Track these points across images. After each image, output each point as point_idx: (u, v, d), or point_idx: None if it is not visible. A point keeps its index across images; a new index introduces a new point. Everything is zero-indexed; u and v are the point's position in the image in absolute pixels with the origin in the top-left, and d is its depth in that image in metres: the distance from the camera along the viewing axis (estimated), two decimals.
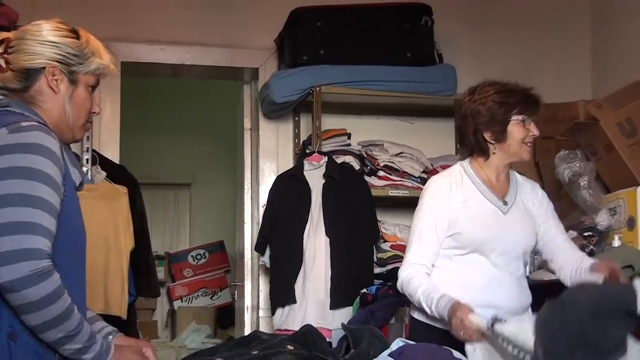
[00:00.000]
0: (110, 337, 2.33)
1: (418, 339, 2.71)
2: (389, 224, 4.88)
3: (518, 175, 3.36)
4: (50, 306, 2.02)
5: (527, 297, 3.22)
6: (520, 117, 3.14)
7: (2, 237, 1.99)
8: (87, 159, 4.55)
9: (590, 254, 3.87)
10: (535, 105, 3.20)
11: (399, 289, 3.13)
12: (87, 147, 4.64)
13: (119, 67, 5.12)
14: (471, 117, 3.16)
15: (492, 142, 3.16)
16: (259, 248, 4.73)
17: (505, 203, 3.20)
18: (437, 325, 3.06)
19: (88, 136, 4.64)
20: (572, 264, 3.22)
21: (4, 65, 2.25)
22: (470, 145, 3.22)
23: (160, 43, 5.16)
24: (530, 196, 3.32)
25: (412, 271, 3.08)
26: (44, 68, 2.24)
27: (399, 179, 4.87)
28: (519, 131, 3.14)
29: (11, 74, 2.24)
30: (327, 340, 3.92)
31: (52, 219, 2.07)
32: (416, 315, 3.20)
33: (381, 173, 4.87)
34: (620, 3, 5.11)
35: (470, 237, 3.10)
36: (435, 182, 3.22)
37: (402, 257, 4.60)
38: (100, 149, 4.78)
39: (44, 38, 2.25)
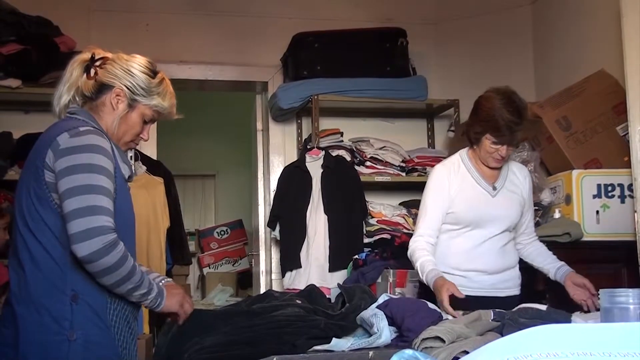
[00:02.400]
0: (162, 281, 2.34)
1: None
2: (375, 203, 4.87)
3: (513, 165, 3.28)
4: (120, 268, 2.04)
5: (508, 261, 3.17)
6: (492, 139, 3.02)
7: (76, 220, 2.00)
8: (131, 157, 4.54)
9: (537, 224, 3.88)
10: (506, 136, 3.00)
11: (409, 256, 3.05)
12: None
13: None
14: (473, 113, 3.12)
15: (472, 141, 3.12)
16: (271, 225, 4.73)
17: (494, 188, 3.15)
18: None
19: None
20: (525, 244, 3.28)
21: (92, 74, 2.25)
22: (467, 133, 3.16)
23: (188, 63, 5.16)
24: (521, 184, 3.24)
25: (417, 244, 3.01)
26: (113, 87, 2.24)
27: (382, 167, 4.87)
28: (489, 146, 3.04)
29: (92, 83, 2.24)
30: (327, 296, 3.94)
31: (111, 201, 2.07)
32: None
33: (368, 163, 4.87)
34: (557, 19, 5.10)
35: (463, 216, 3.07)
36: (437, 171, 3.17)
37: (386, 230, 4.69)
38: (142, 148, 4.76)
39: (128, 67, 2.26)
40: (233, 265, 7.78)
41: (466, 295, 2.88)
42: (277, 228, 4.70)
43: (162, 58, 5.05)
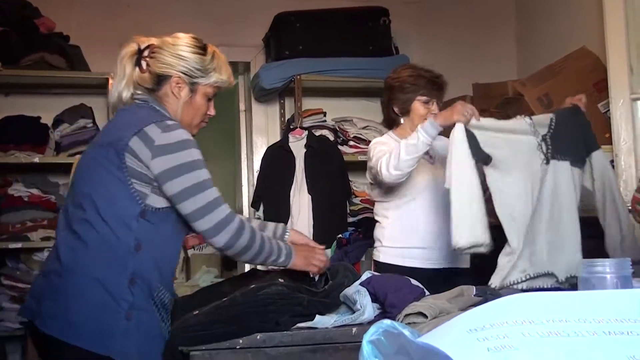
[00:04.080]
0: (286, 235, 2.56)
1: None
2: (358, 183, 4.88)
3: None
4: (253, 245, 2.19)
5: None
6: (424, 98, 3.11)
7: (202, 219, 2.11)
8: None
9: None
10: (438, 89, 3.15)
11: (386, 174, 2.88)
12: None
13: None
14: (388, 91, 3.18)
15: (399, 114, 3.16)
16: (255, 205, 4.72)
17: (431, 156, 3.19)
18: (397, 263, 3.09)
19: None
20: None
21: (144, 67, 2.24)
22: (387, 114, 3.22)
23: None
24: (442, 148, 3.29)
25: (382, 157, 2.92)
26: (171, 76, 2.23)
27: (365, 147, 4.82)
28: (421, 109, 3.12)
29: (147, 76, 2.23)
30: (311, 275, 3.94)
31: (216, 188, 2.17)
32: (380, 258, 3.19)
33: (351, 143, 4.88)
34: None
35: (411, 184, 3.08)
36: (376, 140, 3.20)
37: (370, 210, 4.68)
38: None
39: (177, 52, 2.24)
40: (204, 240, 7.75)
41: (429, 269, 3.02)
42: (261, 208, 4.69)
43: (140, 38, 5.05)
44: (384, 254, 3.17)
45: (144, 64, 2.24)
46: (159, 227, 2.13)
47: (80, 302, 2.03)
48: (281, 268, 2.36)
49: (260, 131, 5.27)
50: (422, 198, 3.11)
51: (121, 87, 2.25)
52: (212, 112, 2.37)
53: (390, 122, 3.24)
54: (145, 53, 2.25)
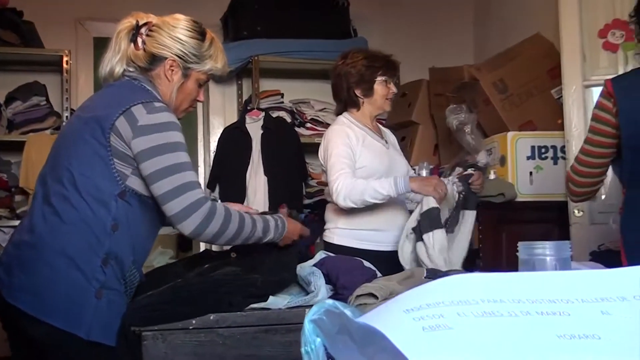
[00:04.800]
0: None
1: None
2: (315, 165, 4.89)
3: (380, 125, 3.41)
4: (226, 232, 2.13)
5: (406, 217, 3.25)
6: (383, 78, 3.18)
7: (173, 201, 2.06)
8: (67, 116, 4.46)
9: None
10: (394, 69, 3.28)
11: (342, 202, 2.96)
12: (67, 107, 4.55)
13: (91, 43, 5.03)
14: (344, 77, 3.19)
15: (362, 97, 3.20)
16: (210, 186, 4.72)
17: (386, 142, 3.26)
18: (351, 245, 3.12)
19: (67, 97, 4.56)
20: None
21: (140, 44, 2.20)
22: (344, 100, 3.24)
23: None
24: (393, 140, 3.39)
25: (344, 180, 2.96)
26: (166, 58, 2.20)
27: (323, 129, 4.86)
28: (382, 89, 3.19)
29: (142, 54, 2.20)
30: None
31: (194, 172, 2.14)
32: (335, 240, 3.21)
33: (308, 124, 4.90)
34: None
35: (373, 168, 3.11)
36: (335, 129, 3.19)
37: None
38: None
39: (175, 34, 2.21)
40: (173, 227, 7.72)
41: (383, 251, 3.07)
42: (217, 189, 4.69)
43: (98, 16, 4.98)
44: (338, 235, 3.19)
45: (139, 41, 2.21)
46: (138, 210, 2.13)
47: (51, 277, 2.02)
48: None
49: (217, 112, 5.25)
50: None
51: (114, 62, 2.22)
52: (201, 98, 2.36)
53: (347, 107, 3.25)
54: (143, 30, 2.21)
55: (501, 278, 0.77)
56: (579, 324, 0.73)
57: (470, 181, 3.07)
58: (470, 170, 3.12)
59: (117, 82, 2.23)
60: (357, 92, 3.20)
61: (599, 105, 2.56)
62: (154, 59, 2.21)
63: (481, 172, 3.18)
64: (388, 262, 2.81)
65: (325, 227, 3.29)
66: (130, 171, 2.09)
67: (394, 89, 3.24)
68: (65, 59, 4.57)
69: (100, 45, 4.97)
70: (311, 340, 0.78)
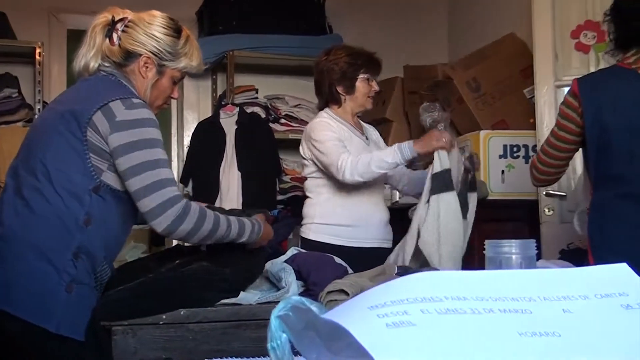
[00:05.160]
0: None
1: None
2: (289, 161, 4.90)
3: (364, 124, 3.41)
4: (199, 231, 2.12)
5: (387, 213, 3.28)
6: (365, 76, 3.18)
7: (147, 198, 2.05)
8: (39, 109, 4.43)
9: None
10: (377, 66, 3.25)
11: (349, 176, 2.96)
12: (39, 99, 4.51)
13: (65, 35, 4.99)
14: (326, 74, 3.18)
15: (344, 94, 3.20)
16: (184, 180, 4.71)
17: (367, 138, 3.26)
18: (332, 242, 3.12)
19: (40, 90, 4.52)
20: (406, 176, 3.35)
21: (115, 40, 2.19)
22: (326, 96, 3.24)
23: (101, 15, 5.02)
24: (375, 137, 3.38)
25: (346, 158, 2.97)
26: (140, 55, 2.19)
27: (297, 125, 4.89)
28: (364, 87, 3.19)
29: (117, 49, 2.19)
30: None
31: (170, 170, 2.14)
32: (310, 236, 3.21)
33: (283, 120, 4.89)
34: None
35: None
36: (317, 121, 3.20)
37: (300, 187, 4.72)
38: (50, 101, 4.64)
39: (150, 31, 2.20)
40: (147, 224, 7.68)
41: (360, 247, 3.06)
42: (190, 184, 4.68)
43: (72, 8, 4.94)
44: (314, 231, 3.19)
45: (115, 37, 2.20)
46: (112, 205, 2.12)
47: (21, 270, 2.01)
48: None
49: (192, 106, 5.23)
50: None
51: (89, 57, 2.21)
52: (175, 95, 2.35)
53: (329, 103, 3.25)
54: (118, 26, 2.21)
55: (465, 276, 0.79)
56: (541, 321, 0.75)
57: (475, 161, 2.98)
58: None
59: (93, 77, 2.22)
60: (339, 89, 3.19)
61: (565, 102, 2.60)
62: (129, 55, 2.21)
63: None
64: (364, 259, 2.82)
65: (302, 222, 3.30)
66: (106, 166, 2.09)
67: (376, 87, 3.23)
68: (38, 50, 4.52)
69: (74, 37, 4.93)
70: (277, 336, 0.78)
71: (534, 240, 1.07)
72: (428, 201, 2.79)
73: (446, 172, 2.77)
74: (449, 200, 2.75)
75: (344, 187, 3.12)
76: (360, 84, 3.19)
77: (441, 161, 2.79)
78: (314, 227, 3.19)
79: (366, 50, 3.26)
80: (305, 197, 3.32)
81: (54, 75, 4.90)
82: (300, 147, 3.24)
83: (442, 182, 2.77)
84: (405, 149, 2.87)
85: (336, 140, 3.07)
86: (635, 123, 2.43)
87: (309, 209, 3.27)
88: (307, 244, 3.17)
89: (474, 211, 2.93)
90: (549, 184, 2.91)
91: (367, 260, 2.69)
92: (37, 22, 4.90)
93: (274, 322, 0.79)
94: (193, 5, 5.05)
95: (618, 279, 0.85)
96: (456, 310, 0.72)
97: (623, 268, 0.87)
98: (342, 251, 2.92)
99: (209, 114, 4.96)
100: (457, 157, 2.86)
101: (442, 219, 2.73)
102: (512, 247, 1.04)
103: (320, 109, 3.30)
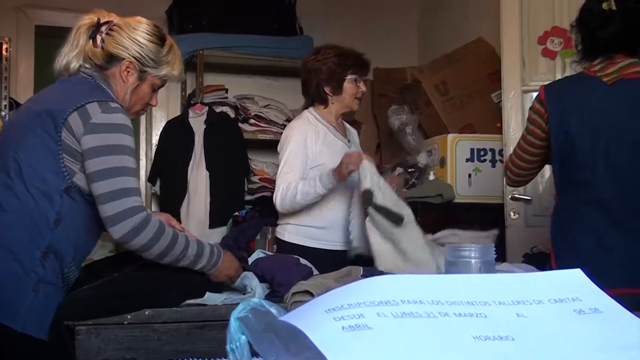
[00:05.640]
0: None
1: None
2: (258, 161, 4.90)
3: (346, 123, 3.41)
4: (154, 246, 2.09)
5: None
6: (353, 77, 3.17)
7: (109, 204, 2.03)
8: (5, 105, 4.39)
9: (412, 186, 4.02)
10: (365, 67, 3.25)
11: (279, 207, 3.06)
12: (5, 95, 4.47)
13: (33, 31, 4.95)
14: (314, 73, 3.18)
15: (331, 94, 3.20)
16: (151, 179, 4.69)
17: (348, 140, 3.26)
18: (305, 244, 3.12)
19: (6, 86, 4.48)
20: None
21: (99, 42, 2.18)
22: (313, 96, 3.23)
23: (70, 11, 4.98)
24: (357, 140, 3.40)
25: (284, 187, 3.03)
26: (123, 59, 2.19)
27: (266, 125, 4.89)
28: (352, 88, 3.19)
29: (99, 52, 2.19)
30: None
31: (137, 180, 2.14)
32: (285, 237, 3.21)
33: (252, 121, 4.88)
34: None
35: (332, 166, 3.07)
36: (295, 126, 3.19)
37: (268, 188, 4.72)
38: (17, 98, 4.60)
39: (135, 36, 2.20)
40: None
41: (331, 250, 3.07)
42: (158, 183, 4.66)
43: (41, 4, 4.90)
44: (288, 232, 3.19)
45: (98, 39, 2.20)
46: (82, 207, 2.11)
47: None
48: None
49: (160, 105, 5.11)
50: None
51: (71, 57, 2.21)
52: (154, 102, 2.36)
53: (315, 103, 3.25)
54: (103, 28, 2.21)
55: (422, 279, 0.80)
56: (495, 325, 0.76)
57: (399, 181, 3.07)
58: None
59: (72, 78, 2.21)
60: (326, 89, 3.18)
61: (533, 108, 2.65)
62: (111, 59, 2.21)
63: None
64: (338, 261, 2.82)
65: (278, 222, 3.30)
66: (78, 167, 2.08)
67: (363, 88, 3.23)
68: (5, 46, 4.49)
69: (42, 33, 4.90)
70: (236, 337, 0.79)
71: (493, 245, 1.09)
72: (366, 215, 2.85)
73: (366, 192, 2.81)
74: (373, 216, 2.78)
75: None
76: (347, 85, 3.18)
77: (362, 182, 2.84)
78: (289, 228, 3.19)
79: (355, 51, 3.25)
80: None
81: (21, 72, 4.86)
82: (279, 147, 3.24)
83: (365, 201, 2.82)
84: (324, 179, 2.94)
85: (291, 162, 3.07)
86: (599, 129, 2.47)
87: None
88: (282, 245, 3.18)
89: (412, 218, 2.91)
90: (523, 184, 2.97)
91: (340, 263, 2.69)
92: (4, 18, 4.85)
93: (233, 323, 0.80)
94: (163, 4, 5.04)
95: (572, 284, 0.87)
96: (412, 313, 0.74)
97: (577, 274, 0.89)
98: (316, 253, 2.94)
99: (178, 113, 4.95)
100: (369, 168, 2.87)
101: (382, 232, 2.76)
102: (471, 252, 1.06)
103: (305, 108, 3.29)
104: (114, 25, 2.22)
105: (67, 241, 2.09)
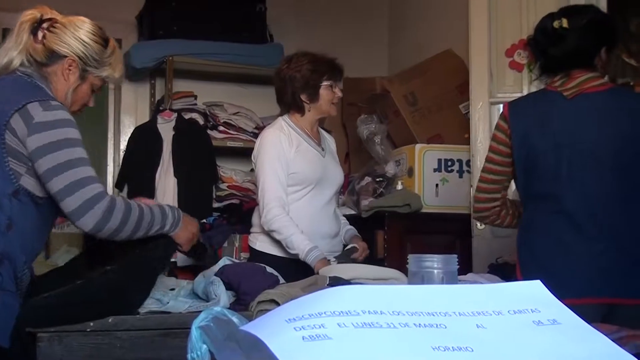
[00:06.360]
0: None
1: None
2: (226, 168, 4.89)
3: (322, 130, 3.40)
4: (127, 224, 2.10)
5: (339, 225, 3.28)
6: (328, 83, 3.16)
7: (70, 197, 2.02)
8: None
9: (380, 195, 4.03)
10: (339, 72, 3.24)
11: (267, 228, 3.05)
12: None
13: (0, 33, 4.89)
14: (289, 82, 3.16)
15: (307, 102, 3.18)
16: (119, 185, 4.67)
17: (323, 149, 3.25)
18: (276, 253, 3.11)
19: None
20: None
21: (40, 37, 2.17)
22: (288, 104, 3.21)
23: None
24: (333, 148, 3.38)
25: (281, 217, 3.02)
26: (65, 57, 2.18)
27: (235, 133, 4.88)
28: (328, 94, 3.17)
29: (41, 48, 2.17)
30: (173, 260, 3.89)
31: (92, 168, 2.10)
32: (257, 246, 3.19)
33: (221, 128, 4.87)
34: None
35: (305, 175, 3.11)
36: (269, 134, 3.17)
37: (237, 195, 4.71)
38: None
39: (79, 35, 2.19)
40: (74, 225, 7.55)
41: (299, 260, 3.03)
42: (125, 189, 4.64)
43: (9, 7, 4.84)
44: (260, 241, 3.17)
45: (40, 34, 2.18)
46: (30, 210, 2.10)
47: None
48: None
49: (129, 110, 5.18)
50: (310, 188, 3.14)
51: (14, 54, 2.19)
52: (91, 104, 2.34)
53: (291, 111, 3.23)
54: (45, 24, 2.19)
55: (383, 290, 0.81)
56: (454, 336, 0.77)
57: (352, 256, 3.10)
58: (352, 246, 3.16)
59: (8, 77, 2.18)
60: (302, 97, 3.16)
61: (497, 126, 2.69)
62: (53, 56, 2.19)
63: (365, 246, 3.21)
64: (309, 271, 2.82)
65: (251, 230, 3.28)
66: (24, 170, 2.07)
67: (339, 93, 3.21)
68: None
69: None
70: (197, 347, 0.79)
71: (456, 256, 1.10)
72: None
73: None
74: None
75: (294, 197, 3.12)
76: (323, 91, 3.16)
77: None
78: (261, 238, 3.17)
79: (328, 57, 3.23)
80: (257, 204, 3.27)
81: None
82: (253, 153, 3.23)
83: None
84: (310, 258, 2.93)
85: (274, 177, 3.06)
86: (560, 143, 2.52)
87: (257, 218, 3.22)
88: (254, 253, 3.17)
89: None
90: (484, 215, 2.81)
91: (310, 273, 2.69)
92: None
93: (194, 332, 0.80)
94: (133, 9, 5.02)
95: (531, 295, 0.89)
96: (372, 324, 0.74)
97: (537, 285, 0.91)
98: (287, 263, 2.93)
99: (147, 119, 4.93)
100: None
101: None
102: (434, 262, 1.07)
103: (280, 115, 3.28)
104: (57, 22, 2.21)
105: (18, 245, 2.07)
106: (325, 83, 3.16)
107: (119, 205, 2.09)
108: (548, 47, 2.58)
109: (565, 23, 2.54)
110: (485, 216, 2.81)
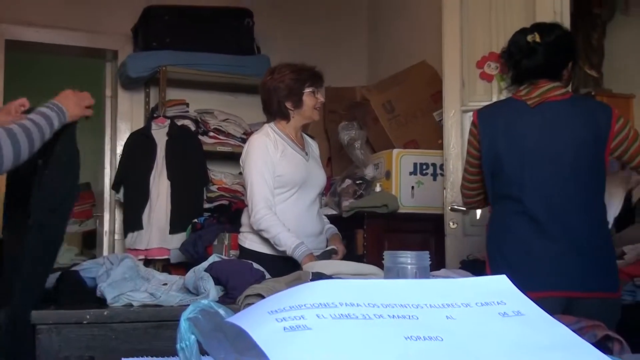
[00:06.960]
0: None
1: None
2: (216, 171, 4.88)
3: (306, 136, 3.39)
4: (21, 145, 2.02)
5: (322, 224, 3.27)
6: (311, 89, 3.16)
7: None
8: None
9: (360, 196, 4.04)
10: (320, 79, 3.24)
11: (256, 227, 3.04)
12: None
13: (3, 45, 4.86)
14: (274, 92, 3.15)
15: (292, 109, 3.18)
16: (115, 187, 4.65)
17: (306, 153, 3.25)
18: (264, 251, 3.09)
19: None
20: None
21: None
22: (274, 113, 3.20)
23: (37, 26, 4.92)
24: (316, 153, 3.39)
25: (263, 211, 3.01)
26: None
27: (225, 138, 4.88)
28: (311, 100, 3.17)
29: None
30: (166, 257, 3.87)
31: None
32: (246, 244, 3.18)
33: (211, 134, 4.87)
34: (389, 11, 5.30)
35: (290, 178, 3.10)
36: (256, 139, 3.16)
37: (226, 197, 4.71)
38: None
39: None
40: (79, 225, 7.53)
41: (286, 258, 3.02)
42: (122, 191, 4.62)
43: (12, 19, 4.82)
44: (250, 240, 3.16)
45: None
46: None
47: None
48: None
49: (125, 117, 5.16)
50: (295, 190, 3.13)
51: None
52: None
53: (277, 118, 3.21)
54: None
55: (360, 284, 0.81)
56: (425, 326, 0.77)
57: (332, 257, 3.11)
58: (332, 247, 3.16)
59: None
60: (287, 105, 3.15)
61: (470, 132, 2.74)
62: None
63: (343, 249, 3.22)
64: (296, 268, 2.81)
65: (240, 229, 3.26)
66: None
67: (321, 98, 3.22)
68: None
69: (12, 47, 4.82)
70: (186, 337, 0.79)
71: (428, 252, 1.10)
72: None
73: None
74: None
75: (280, 199, 3.12)
76: (306, 98, 3.15)
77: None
78: (250, 236, 3.16)
79: (308, 65, 3.24)
80: (245, 205, 3.26)
81: None
82: (241, 157, 3.21)
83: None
84: (297, 254, 2.93)
85: (262, 181, 3.05)
86: (523, 148, 2.55)
87: (246, 217, 3.21)
88: (244, 251, 3.15)
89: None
90: (475, 205, 3.00)
91: (298, 268, 2.68)
92: None
93: (183, 324, 0.79)
94: (129, 22, 5.00)
95: (498, 289, 0.89)
96: (349, 315, 0.74)
97: (503, 280, 0.91)
98: (274, 260, 2.93)
99: (142, 125, 4.91)
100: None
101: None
102: (407, 258, 1.07)
103: (268, 122, 3.27)
104: None
105: None
106: (307, 90, 3.16)
107: (3, 137, 2.00)
108: (521, 59, 2.60)
109: (537, 37, 2.58)
110: (473, 205, 3.00)
